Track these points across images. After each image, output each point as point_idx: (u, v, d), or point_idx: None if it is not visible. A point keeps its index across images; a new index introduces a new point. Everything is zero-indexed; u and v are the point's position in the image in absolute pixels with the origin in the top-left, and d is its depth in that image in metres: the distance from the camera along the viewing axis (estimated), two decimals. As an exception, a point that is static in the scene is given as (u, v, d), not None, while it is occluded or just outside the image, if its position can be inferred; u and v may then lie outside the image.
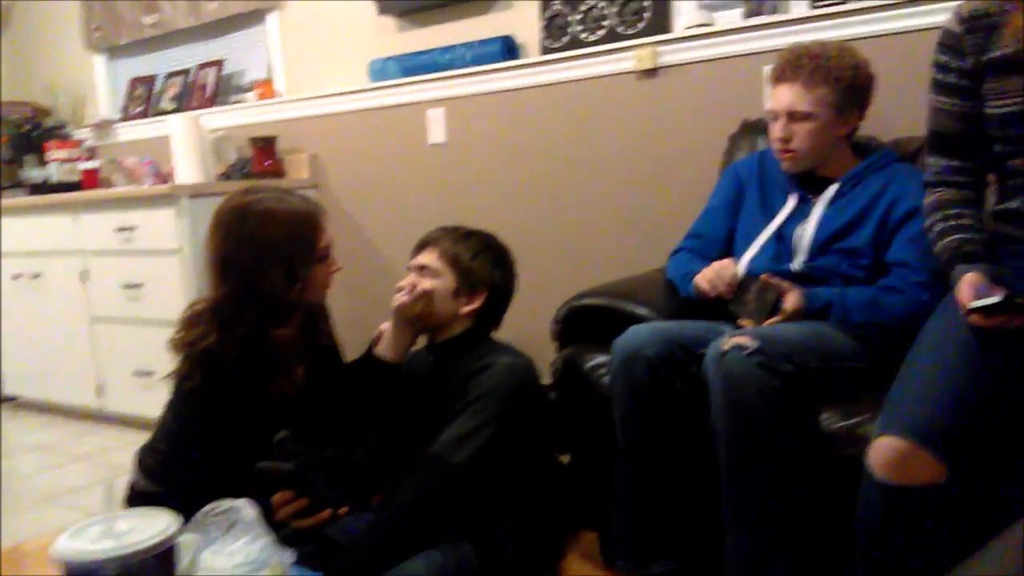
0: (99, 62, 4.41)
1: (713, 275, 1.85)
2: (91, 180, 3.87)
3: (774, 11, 2.45)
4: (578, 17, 2.80)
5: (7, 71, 4.78)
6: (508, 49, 2.95)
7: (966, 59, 1.50)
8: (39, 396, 3.94)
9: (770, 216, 1.95)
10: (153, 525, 0.92)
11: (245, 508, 1.07)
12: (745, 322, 1.79)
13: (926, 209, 1.62)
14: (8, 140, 4.15)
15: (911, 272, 1.74)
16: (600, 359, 1.87)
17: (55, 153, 3.96)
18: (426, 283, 1.81)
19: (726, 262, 1.88)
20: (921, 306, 1.61)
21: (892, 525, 1.32)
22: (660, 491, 1.73)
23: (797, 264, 1.87)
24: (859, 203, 1.85)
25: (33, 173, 4.02)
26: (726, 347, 1.57)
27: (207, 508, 1.07)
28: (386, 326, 1.82)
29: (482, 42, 2.98)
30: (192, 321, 1.66)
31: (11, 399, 4.08)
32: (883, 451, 1.30)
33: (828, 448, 1.55)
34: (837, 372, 1.64)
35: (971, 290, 1.35)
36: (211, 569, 1.02)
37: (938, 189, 1.60)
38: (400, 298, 1.78)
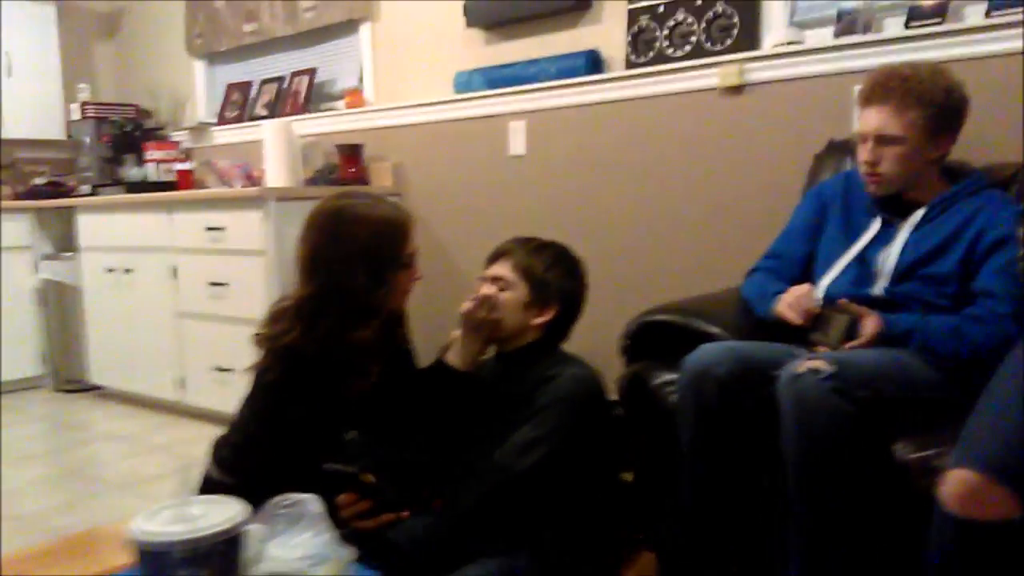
0: (199, 67, 4.59)
1: (793, 301, 1.81)
2: (186, 180, 4.02)
3: (867, 30, 2.39)
4: (665, 33, 2.79)
5: (114, 73, 5.03)
6: (593, 63, 2.96)
7: None
8: (123, 387, 4.10)
9: (853, 239, 1.91)
10: (223, 512, 0.95)
11: (312, 503, 1.09)
12: (821, 347, 1.75)
13: (1022, 238, 1.55)
14: (110, 139, 4.34)
15: (998, 303, 1.68)
16: (669, 376, 1.85)
17: (153, 153, 4.12)
18: (490, 289, 1.82)
19: (806, 291, 1.83)
20: (1006, 338, 1.54)
21: (964, 559, 1.27)
22: (724, 515, 1.70)
23: (879, 289, 1.82)
24: (946, 229, 1.79)
25: (132, 172, 4.19)
26: (800, 370, 1.54)
27: (276, 500, 1.09)
28: (456, 333, 1.84)
29: (567, 56, 3.00)
30: (277, 316, 1.70)
31: (96, 388, 4.25)
32: (956, 484, 1.25)
33: (901, 479, 1.50)
34: (915, 401, 1.59)
35: None
36: (275, 560, 1.04)
37: None
38: (466, 304, 1.80)
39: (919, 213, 1.83)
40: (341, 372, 1.68)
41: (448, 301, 3.29)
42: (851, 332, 1.72)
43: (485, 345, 1.85)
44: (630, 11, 2.87)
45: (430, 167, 3.50)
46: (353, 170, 3.56)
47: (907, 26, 2.31)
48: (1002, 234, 1.71)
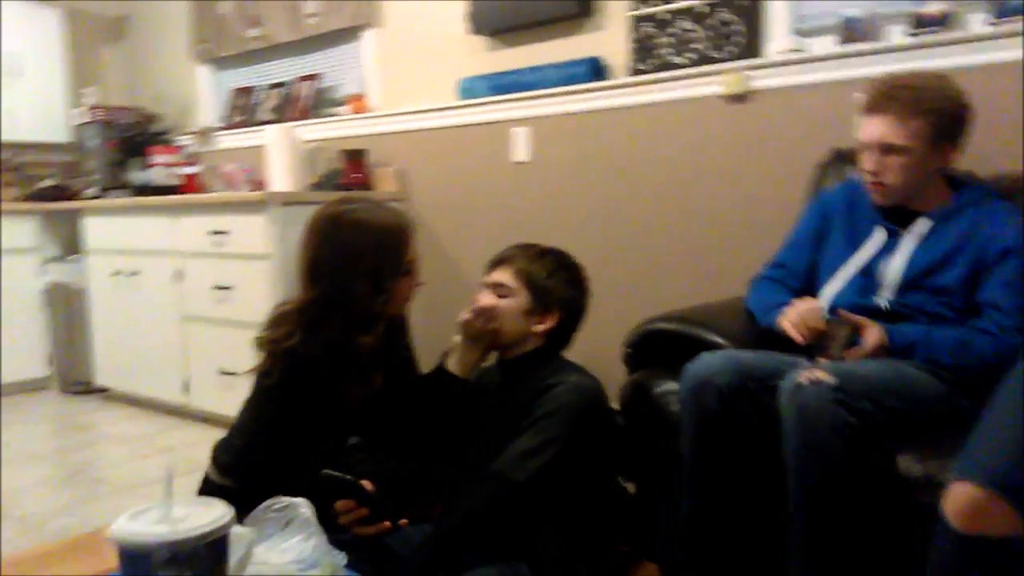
0: (204, 73, 4.60)
1: (798, 320, 1.78)
2: (191, 185, 4.02)
3: (869, 38, 2.38)
4: (668, 40, 2.79)
5: (120, 79, 5.04)
6: (596, 70, 2.95)
7: None
8: (128, 389, 4.10)
9: (856, 248, 1.90)
10: (208, 514, 0.94)
11: (302, 506, 1.09)
12: (823, 356, 1.74)
13: None
14: (116, 144, 4.35)
15: (1004, 315, 1.67)
16: (671, 385, 1.84)
17: (158, 157, 4.12)
18: (488, 300, 1.82)
19: (810, 308, 1.80)
20: (1012, 351, 1.54)
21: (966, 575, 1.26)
22: (725, 525, 1.69)
23: (883, 300, 1.81)
24: (951, 240, 1.78)
25: (137, 176, 4.20)
26: (802, 380, 1.53)
27: (266, 504, 1.09)
28: (458, 339, 1.84)
29: (570, 63, 2.99)
30: (278, 320, 1.71)
31: (102, 390, 4.26)
32: (959, 499, 1.24)
33: (904, 493, 1.49)
34: (918, 414, 1.58)
35: None
36: (264, 564, 1.04)
37: None
38: (464, 314, 1.80)
39: (923, 223, 1.82)
40: (342, 378, 1.69)
41: (451, 306, 3.29)
42: (852, 342, 1.71)
43: (485, 353, 1.85)
44: (633, 18, 2.87)
45: (434, 172, 3.50)
46: (357, 175, 3.56)
47: (910, 33, 2.30)
48: (1008, 245, 1.70)
